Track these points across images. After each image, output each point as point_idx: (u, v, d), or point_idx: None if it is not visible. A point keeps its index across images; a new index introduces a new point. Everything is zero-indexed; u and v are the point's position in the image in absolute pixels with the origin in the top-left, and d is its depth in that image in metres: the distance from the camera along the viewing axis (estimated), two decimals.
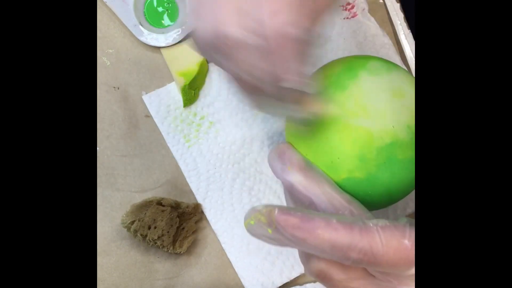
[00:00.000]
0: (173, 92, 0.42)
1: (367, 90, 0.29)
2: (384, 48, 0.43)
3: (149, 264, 0.40)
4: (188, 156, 0.41)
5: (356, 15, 0.44)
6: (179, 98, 0.42)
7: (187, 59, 0.41)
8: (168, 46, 0.42)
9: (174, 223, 0.38)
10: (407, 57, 0.42)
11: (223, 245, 0.40)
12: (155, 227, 0.38)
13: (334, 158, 0.29)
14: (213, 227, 0.40)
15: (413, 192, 0.33)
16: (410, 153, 0.29)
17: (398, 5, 0.44)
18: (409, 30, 0.43)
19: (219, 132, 0.42)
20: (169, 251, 0.38)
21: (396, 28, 0.43)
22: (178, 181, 0.41)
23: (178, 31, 0.42)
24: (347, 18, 0.44)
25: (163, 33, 0.42)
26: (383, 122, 0.29)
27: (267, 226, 0.25)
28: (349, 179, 0.29)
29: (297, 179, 0.29)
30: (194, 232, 0.40)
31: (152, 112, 0.42)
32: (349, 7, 0.44)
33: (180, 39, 0.42)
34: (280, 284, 0.39)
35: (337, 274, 0.27)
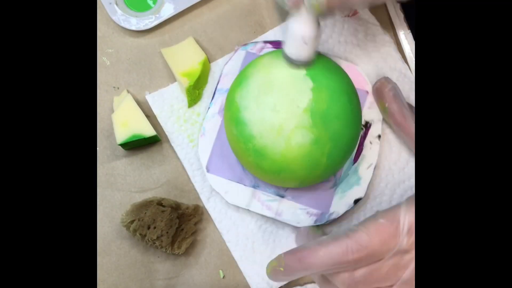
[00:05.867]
0: (176, 92, 0.42)
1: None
2: (385, 46, 0.43)
3: (149, 264, 0.40)
4: (192, 156, 0.41)
5: (357, 13, 0.44)
6: (182, 98, 0.42)
7: (188, 59, 0.41)
8: (168, 47, 0.42)
9: (174, 224, 0.38)
10: (407, 57, 0.42)
11: (227, 244, 0.40)
12: (154, 227, 0.38)
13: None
14: (217, 226, 0.40)
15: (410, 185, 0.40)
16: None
17: (398, 5, 0.44)
18: (409, 30, 0.43)
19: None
20: (168, 251, 0.38)
21: (396, 28, 0.43)
22: (178, 181, 0.41)
23: (152, 18, 0.42)
24: (348, 16, 0.44)
25: (136, 16, 0.42)
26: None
27: (279, 266, 0.31)
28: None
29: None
30: (193, 233, 0.40)
31: (156, 112, 0.42)
32: None
33: (152, 26, 0.42)
34: (285, 282, 0.39)
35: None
